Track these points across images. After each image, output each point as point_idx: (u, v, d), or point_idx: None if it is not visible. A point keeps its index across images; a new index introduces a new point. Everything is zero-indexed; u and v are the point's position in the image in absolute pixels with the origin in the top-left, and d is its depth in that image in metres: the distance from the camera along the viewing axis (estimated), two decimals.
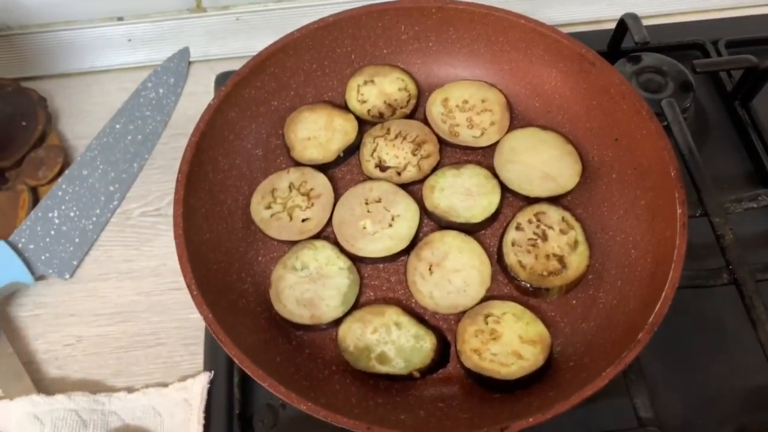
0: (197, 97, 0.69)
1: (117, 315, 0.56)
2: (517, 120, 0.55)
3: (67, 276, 0.58)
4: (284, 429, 0.50)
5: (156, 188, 0.63)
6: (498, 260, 0.48)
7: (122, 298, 0.57)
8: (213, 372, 0.51)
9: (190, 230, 0.44)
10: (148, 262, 0.59)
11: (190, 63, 0.71)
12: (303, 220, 0.50)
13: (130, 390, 0.52)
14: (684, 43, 0.66)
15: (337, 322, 0.46)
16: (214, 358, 0.52)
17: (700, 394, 0.49)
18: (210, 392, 0.51)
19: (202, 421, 0.49)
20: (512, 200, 0.51)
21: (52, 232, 0.58)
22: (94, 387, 0.52)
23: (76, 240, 0.59)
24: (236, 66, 0.67)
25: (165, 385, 0.52)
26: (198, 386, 0.51)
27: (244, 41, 0.71)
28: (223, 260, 0.47)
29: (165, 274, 0.58)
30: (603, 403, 0.48)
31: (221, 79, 0.68)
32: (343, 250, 0.49)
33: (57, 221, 0.59)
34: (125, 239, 0.60)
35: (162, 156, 0.65)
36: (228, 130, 0.51)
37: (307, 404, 0.38)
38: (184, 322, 0.55)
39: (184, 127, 0.67)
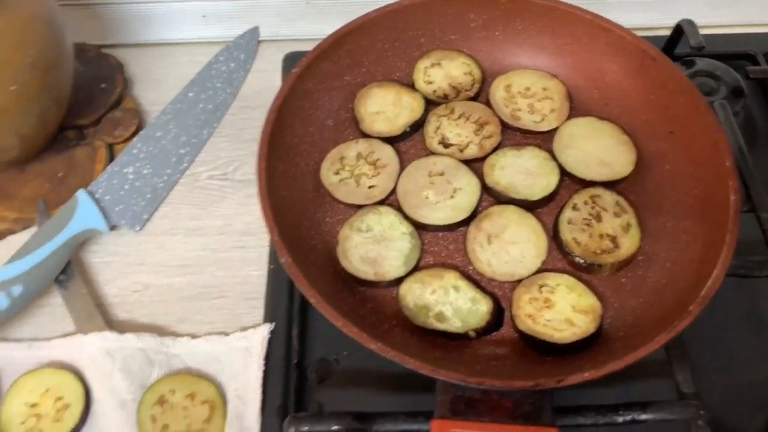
0: (265, 74, 0.73)
1: (183, 267, 0.59)
2: (575, 110, 0.57)
3: (138, 228, 0.61)
4: (336, 381, 0.53)
5: (224, 155, 0.67)
6: (553, 236, 0.51)
7: (188, 252, 0.60)
8: (273, 324, 0.54)
9: (270, 184, 0.48)
10: (214, 222, 0.62)
11: (259, 42, 0.75)
12: (369, 187, 0.53)
13: (193, 336, 0.55)
14: (736, 53, 0.68)
15: (398, 282, 0.49)
16: (274, 312, 0.56)
17: (738, 380, 0.51)
18: (269, 343, 0.54)
19: (262, 368, 0.52)
20: (568, 183, 0.54)
21: (126, 187, 0.62)
22: (159, 332, 0.55)
23: (148, 196, 0.62)
24: (303, 47, 0.70)
25: (226, 334, 0.55)
26: (259, 336, 0.54)
27: (311, 24, 0.74)
28: (295, 217, 0.50)
29: (230, 234, 0.61)
30: (642, 382, 0.51)
31: (289, 58, 0.72)
32: (406, 217, 0.52)
33: (131, 177, 0.63)
34: (193, 199, 0.64)
35: (230, 126, 0.69)
36: (305, 99, 0.54)
37: (377, 344, 0.40)
38: (246, 279, 0.59)
39: (251, 101, 0.71)
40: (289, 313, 0.55)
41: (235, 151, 0.67)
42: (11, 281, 0.53)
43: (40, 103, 0.56)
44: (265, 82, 0.72)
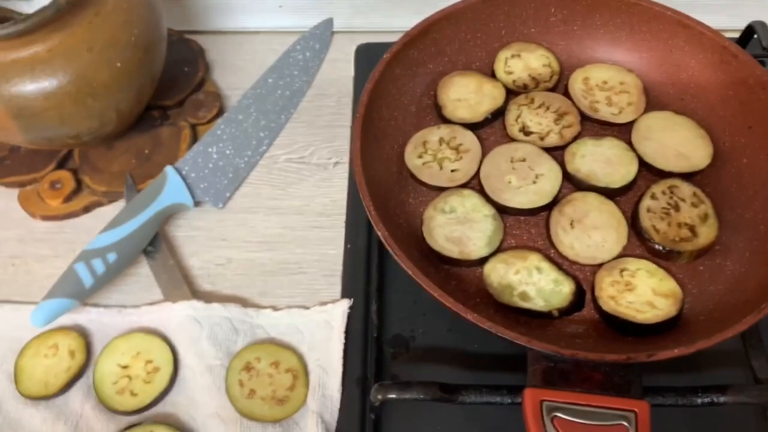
0: (338, 63, 0.75)
1: (264, 244, 0.62)
2: (651, 104, 0.59)
3: (221, 205, 0.64)
4: (412, 357, 0.55)
5: (300, 139, 0.69)
6: (632, 224, 0.52)
7: (269, 230, 0.63)
8: (352, 300, 0.56)
9: (365, 163, 0.50)
10: (293, 202, 0.65)
11: (333, 33, 0.77)
12: (452, 171, 0.55)
13: (275, 308, 0.57)
14: None
15: (482, 262, 0.51)
16: (352, 288, 0.58)
17: None
18: (348, 317, 0.56)
19: (343, 341, 0.54)
20: (646, 173, 0.55)
21: (210, 165, 0.65)
22: (242, 303, 0.58)
23: (230, 175, 0.65)
24: (375, 39, 0.73)
25: (306, 307, 0.57)
26: (339, 310, 0.56)
27: (383, 17, 0.77)
28: (383, 196, 0.52)
29: (308, 214, 0.64)
30: (717, 369, 0.52)
31: (361, 50, 0.74)
32: (488, 200, 0.53)
33: (215, 156, 0.65)
34: (272, 180, 0.66)
35: (306, 112, 0.71)
36: (392, 84, 0.56)
37: (474, 315, 0.42)
38: (324, 256, 0.61)
39: (325, 89, 0.73)
40: (366, 290, 0.57)
41: (311, 136, 0.69)
42: (106, 249, 0.56)
43: (138, 80, 0.59)
44: (338, 71, 0.74)
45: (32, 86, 0.54)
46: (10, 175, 0.64)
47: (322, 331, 0.56)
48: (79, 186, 0.64)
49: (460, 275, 0.51)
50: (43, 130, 0.57)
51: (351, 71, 0.73)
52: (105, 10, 0.55)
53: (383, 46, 0.57)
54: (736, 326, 0.42)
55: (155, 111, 0.69)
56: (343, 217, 0.63)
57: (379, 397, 0.47)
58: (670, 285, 0.49)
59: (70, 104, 0.55)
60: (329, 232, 0.62)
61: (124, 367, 0.54)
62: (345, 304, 0.56)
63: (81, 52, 0.54)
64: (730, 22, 0.75)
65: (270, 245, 0.62)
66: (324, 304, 0.57)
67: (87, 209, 0.64)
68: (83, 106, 0.56)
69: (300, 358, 0.54)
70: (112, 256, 0.56)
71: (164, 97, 0.69)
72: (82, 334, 0.56)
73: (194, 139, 0.67)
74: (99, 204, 0.64)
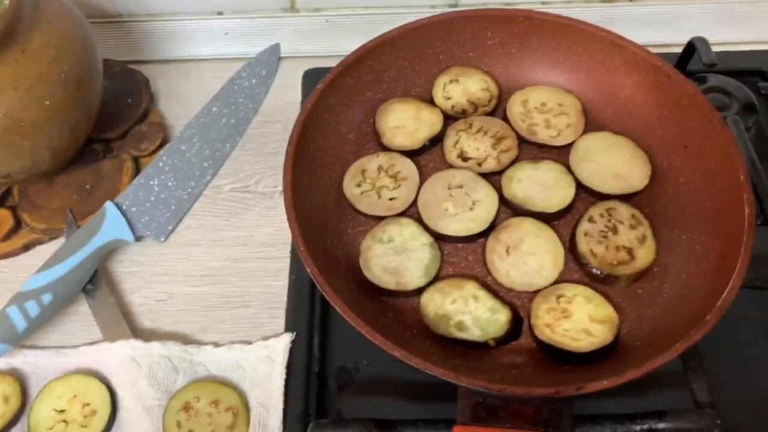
0: (285, 89, 0.74)
1: (206, 277, 0.61)
2: (590, 124, 0.59)
3: (163, 239, 0.63)
4: (356, 390, 0.54)
5: (246, 168, 0.68)
6: (570, 249, 0.52)
7: (212, 262, 0.62)
8: (295, 333, 0.56)
9: (296, 197, 0.49)
10: (237, 233, 0.64)
11: (280, 58, 0.77)
12: (390, 199, 0.54)
13: (216, 345, 0.56)
14: (747, 70, 0.70)
15: (419, 292, 0.50)
16: (295, 321, 0.57)
17: (754, 390, 0.52)
18: (290, 352, 0.55)
19: (284, 376, 0.54)
20: (584, 196, 0.55)
21: (152, 198, 0.64)
22: (183, 340, 0.57)
23: (172, 207, 0.64)
24: (323, 64, 0.73)
25: (249, 342, 0.56)
26: (281, 344, 0.55)
27: (332, 42, 0.76)
28: (319, 229, 0.52)
29: (252, 245, 0.63)
30: (658, 392, 0.51)
31: (309, 75, 0.74)
32: (426, 228, 0.53)
33: (156, 189, 0.64)
34: (216, 211, 0.65)
35: (252, 140, 0.71)
36: (328, 114, 0.56)
37: (401, 351, 0.42)
38: (268, 288, 0.60)
39: (272, 116, 0.73)
40: (310, 323, 0.57)
41: (256, 164, 0.69)
42: (41, 289, 0.55)
43: (71, 116, 0.58)
44: (285, 97, 0.74)
45: None
46: None
47: (263, 367, 0.55)
48: (18, 224, 0.63)
49: (397, 306, 0.51)
50: None
51: (298, 97, 0.72)
52: (31, 47, 0.54)
53: (330, 71, 0.57)
54: (665, 354, 0.41)
55: (97, 144, 0.68)
56: (289, 246, 0.62)
57: None
58: (606, 311, 0.48)
59: None
60: (274, 263, 0.62)
61: (61, 411, 0.53)
62: (287, 339, 0.55)
63: (6, 91, 0.53)
64: (675, 36, 0.75)
65: (213, 278, 0.61)
66: (267, 338, 0.56)
67: (27, 247, 0.63)
68: (11, 145, 0.55)
69: (241, 395, 0.53)
70: (47, 297, 0.55)
71: (106, 129, 0.68)
72: (18, 378, 0.54)
73: (137, 171, 0.67)
74: (39, 242, 0.63)
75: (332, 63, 0.58)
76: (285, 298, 0.59)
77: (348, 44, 0.59)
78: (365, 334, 0.43)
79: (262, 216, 0.65)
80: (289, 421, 0.52)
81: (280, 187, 0.66)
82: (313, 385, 0.53)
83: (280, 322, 0.58)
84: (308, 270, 0.45)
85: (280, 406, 0.52)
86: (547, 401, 0.42)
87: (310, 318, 0.57)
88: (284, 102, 0.74)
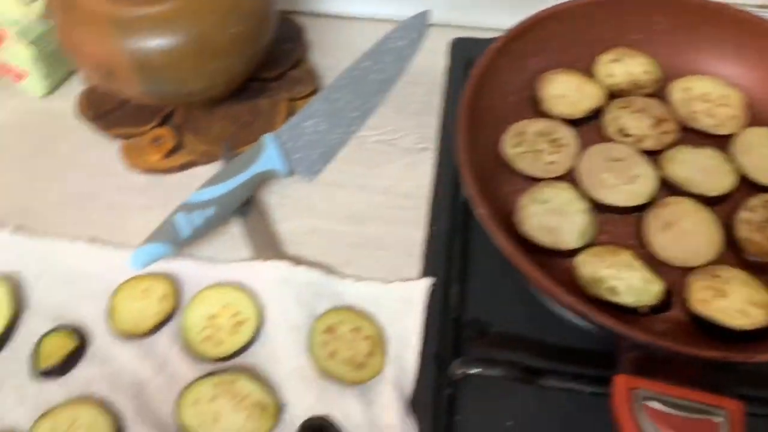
0: (431, 54, 0.76)
1: (349, 218, 0.64)
2: (753, 120, 0.59)
3: (312, 177, 0.66)
4: (490, 342, 0.55)
5: (390, 123, 0.71)
6: (727, 234, 0.52)
7: (354, 205, 0.65)
8: (435, 279, 0.58)
9: (466, 144, 0.51)
10: (379, 182, 0.66)
11: (429, 25, 0.79)
12: (548, 163, 0.56)
13: (357, 278, 0.59)
14: None
15: (572, 254, 0.52)
16: (433, 269, 0.59)
17: None
18: (428, 296, 0.57)
19: (421, 317, 0.56)
20: (743, 187, 0.55)
21: (305, 138, 0.67)
22: (326, 270, 0.59)
23: (322, 150, 0.67)
24: (469, 34, 0.75)
25: (388, 281, 0.59)
26: (420, 287, 0.57)
27: (479, 15, 0.78)
28: (479, 180, 0.53)
29: (393, 194, 0.65)
30: None
31: (456, 43, 0.76)
32: (583, 195, 0.54)
33: (309, 130, 0.67)
34: (361, 159, 0.68)
35: (397, 98, 0.73)
36: (495, 75, 0.58)
37: (572, 297, 0.43)
38: (406, 236, 0.62)
39: (417, 78, 0.75)
40: (447, 273, 0.58)
41: (401, 121, 0.71)
42: (206, 203, 0.59)
43: (249, 48, 0.62)
44: (430, 62, 0.76)
45: (156, 42, 0.57)
46: (117, 126, 0.68)
47: (401, 306, 0.57)
48: (178, 144, 0.67)
49: (550, 265, 0.52)
50: (161, 83, 0.60)
51: (442, 63, 0.74)
52: None
53: (477, 41, 0.59)
54: None
55: (255, 83, 0.71)
56: (425, 202, 0.64)
57: (461, 371, 0.48)
58: (763, 296, 0.49)
59: (189, 62, 0.58)
60: (412, 213, 0.64)
61: (212, 317, 0.56)
62: (427, 282, 0.57)
63: (206, 14, 0.57)
64: None
65: (354, 219, 0.63)
66: (405, 280, 0.58)
67: (183, 167, 0.67)
68: (200, 65, 0.59)
69: (379, 328, 0.56)
70: (210, 211, 0.59)
71: (264, 70, 0.72)
72: (173, 282, 0.58)
73: (290, 112, 0.70)
74: (195, 163, 0.67)
75: (478, 34, 0.59)
76: (421, 248, 0.61)
77: (495, 18, 0.60)
78: (534, 279, 0.44)
79: (403, 170, 0.67)
80: (425, 359, 0.54)
81: (422, 145, 0.69)
82: (448, 330, 0.55)
83: (416, 269, 0.60)
84: (480, 213, 0.47)
85: (417, 344, 0.54)
86: (710, 367, 0.43)
87: (448, 268, 0.59)
88: (428, 66, 0.76)
